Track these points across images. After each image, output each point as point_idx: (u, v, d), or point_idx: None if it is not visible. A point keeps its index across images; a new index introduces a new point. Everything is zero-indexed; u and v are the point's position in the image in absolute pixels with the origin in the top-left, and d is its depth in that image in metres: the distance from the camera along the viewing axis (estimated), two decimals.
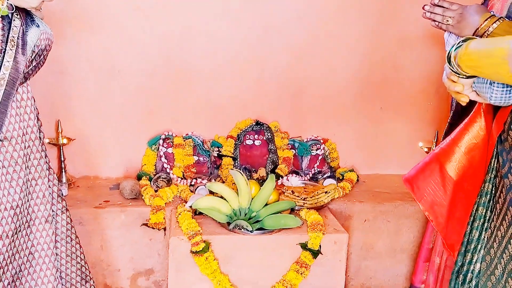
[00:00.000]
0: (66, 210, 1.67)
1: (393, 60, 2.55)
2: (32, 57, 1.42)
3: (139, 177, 2.34)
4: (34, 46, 1.40)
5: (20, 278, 1.51)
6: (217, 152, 2.44)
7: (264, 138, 2.48)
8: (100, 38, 2.30)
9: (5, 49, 1.33)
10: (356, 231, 2.25)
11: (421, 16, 1.43)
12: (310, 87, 2.53)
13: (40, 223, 1.53)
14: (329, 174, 2.47)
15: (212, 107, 2.48)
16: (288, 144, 2.52)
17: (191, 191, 2.22)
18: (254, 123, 2.49)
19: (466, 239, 1.26)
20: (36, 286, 1.54)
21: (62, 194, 1.68)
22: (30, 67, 1.44)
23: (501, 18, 1.22)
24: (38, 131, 1.53)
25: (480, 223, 1.22)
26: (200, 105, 2.47)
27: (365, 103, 2.59)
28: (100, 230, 2.08)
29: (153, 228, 2.07)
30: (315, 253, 1.89)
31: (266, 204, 2.00)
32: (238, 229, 1.89)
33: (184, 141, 2.42)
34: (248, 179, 2.02)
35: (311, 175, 2.47)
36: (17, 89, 1.41)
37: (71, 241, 1.69)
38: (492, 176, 1.21)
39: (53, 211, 1.61)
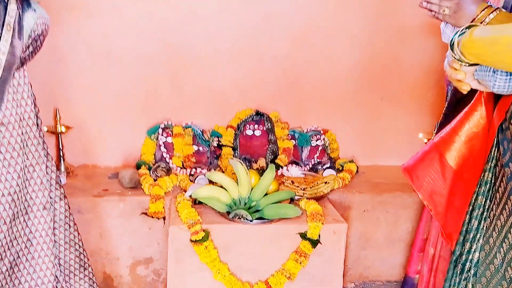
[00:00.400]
0: (64, 197, 1.67)
1: (393, 51, 2.53)
2: (29, 42, 1.41)
3: (138, 166, 2.33)
4: (31, 30, 1.39)
5: (18, 265, 1.51)
6: (217, 142, 2.44)
7: (264, 128, 2.47)
8: (98, 24, 2.28)
9: (1, 33, 1.31)
10: (355, 221, 2.26)
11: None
12: (310, 77, 2.52)
13: (38, 210, 1.52)
14: (329, 165, 2.47)
15: (212, 97, 2.47)
16: (288, 134, 2.51)
17: (191, 181, 2.22)
18: (254, 113, 2.48)
19: (465, 229, 1.25)
20: (34, 273, 1.53)
21: (60, 181, 1.67)
22: (26, 52, 1.43)
23: (498, 9, 1.21)
24: (36, 117, 1.52)
25: (479, 213, 1.21)
26: (200, 94, 2.46)
27: (365, 94, 2.58)
28: (99, 219, 2.08)
29: (152, 217, 2.07)
30: (314, 243, 1.89)
31: (266, 194, 2.00)
32: (238, 218, 1.89)
33: (183, 130, 2.41)
34: (248, 169, 2.02)
35: (311, 165, 2.47)
36: (13, 74, 1.40)
37: (69, 228, 1.69)
38: (492, 165, 1.20)
39: (51, 197, 1.60)
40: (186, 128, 2.43)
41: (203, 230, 1.85)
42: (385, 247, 2.33)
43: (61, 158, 2.30)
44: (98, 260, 2.12)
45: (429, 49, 2.53)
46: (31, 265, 1.53)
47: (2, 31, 1.32)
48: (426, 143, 2.47)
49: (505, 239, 1.12)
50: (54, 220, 1.62)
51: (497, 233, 1.15)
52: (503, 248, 1.12)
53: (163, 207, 2.07)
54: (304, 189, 2.09)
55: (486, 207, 1.21)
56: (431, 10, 1.36)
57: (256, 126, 2.47)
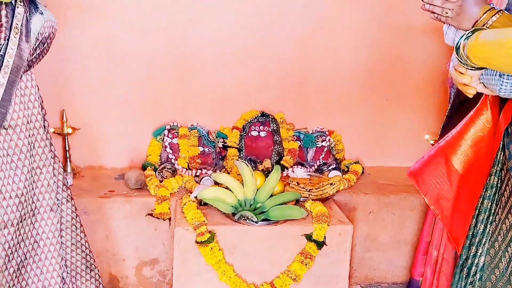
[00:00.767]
0: (71, 199, 1.68)
1: (399, 51, 2.53)
2: (36, 45, 1.42)
3: (144, 168, 2.34)
4: (38, 33, 1.40)
5: (25, 266, 1.52)
6: (222, 143, 2.44)
7: (270, 130, 2.47)
8: (104, 26, 2.29)
9: (9, 36, 1.32)
10: (361, 222, 2.25)
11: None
12: (316, 79, 2.52)
13: (45, 212, 1.53)
14: (334, 166, 2.46)
15: (217, 98, 2.48)
16: (294, 135, 2.51)
17: (196, 182, 2.23)
18: (259, 114, 2.49)
19: (471, 233, 1.25)
20: (41, 274, 1.55)
21: (67, 183, 1.68)
22: (34, 55, 1.44)
23: (501, 11, 1.20)
24: (43, 119, 1.53)
25: (485, 216, 1.21)
26: (205, 95, 2.46)
27: (371, 95, 2.57)
28: (105, 220, 2.09)
29: (158, 218, 2.07)
30: (320, 244, 1.89)
31: (271, 195, 2.00)
32: (243, 219, 1.89)
33: (189, 131, 2.42)
34: (253, 170, 2.02)
35: (316, 166, 2.47)
36: (21, 77, 1.41)
37: (76, 229, 1.70)
38: (498, 169, 1.20)
39: (58, 199, 1.61)
40: (191, 129, 2.44)
41: (209, 232, 1.85)
42: (390, 249, 2.32)
43: (68, 159, 2.32)
44: (104, 261, 2.13)
45: (435, 49, 2.52)
46: (38, 267, 1.54)
47: (10, 34, 1.33)
48: (432, 144, 2.47)
49: (510, 243, 1.11)
50: (60, 221, 1.63)
51: (502, 237, 1.15)
52: (508, 252, 1.12)
53: (169, 208, 2.08)
54: (309, 191, 2.09)
55: (492, 211, 1.20)
56: (434, 12, 1.35)
57: (261, 127, 2.48)
